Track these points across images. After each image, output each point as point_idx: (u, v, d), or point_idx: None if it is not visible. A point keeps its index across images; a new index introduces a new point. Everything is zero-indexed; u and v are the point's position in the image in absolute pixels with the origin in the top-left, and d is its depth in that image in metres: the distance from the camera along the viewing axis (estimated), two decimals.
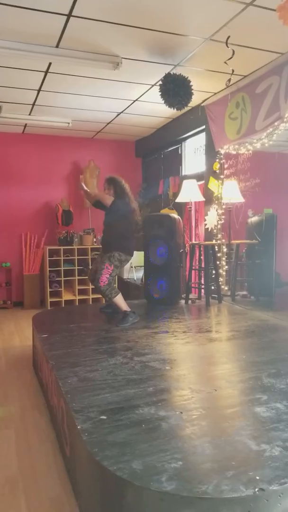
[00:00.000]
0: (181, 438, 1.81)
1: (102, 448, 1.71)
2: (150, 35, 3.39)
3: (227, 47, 3.29)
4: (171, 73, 3.90)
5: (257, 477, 1.51)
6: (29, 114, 5.64)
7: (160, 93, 3.92)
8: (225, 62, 3.42)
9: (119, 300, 3.81)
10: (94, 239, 6.64)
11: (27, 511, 1.95)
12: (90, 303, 6.40)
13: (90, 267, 6.41)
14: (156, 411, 2.05)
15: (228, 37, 3.25)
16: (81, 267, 6.47)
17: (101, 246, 4.10)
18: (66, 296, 6.43)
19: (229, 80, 3.77)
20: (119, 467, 1.58)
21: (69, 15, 3.08)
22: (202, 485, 1.48)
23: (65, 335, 3.42)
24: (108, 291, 3.75)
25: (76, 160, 6.95)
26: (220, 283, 4.73)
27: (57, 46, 3.60)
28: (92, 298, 6.46)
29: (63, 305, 6.31)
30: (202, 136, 5.36)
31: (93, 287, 5.78)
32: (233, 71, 3.59)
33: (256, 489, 1.44)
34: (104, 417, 1.99)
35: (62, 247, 6.36)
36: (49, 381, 2.84)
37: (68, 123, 5.83)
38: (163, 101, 3.99)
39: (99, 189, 6.70)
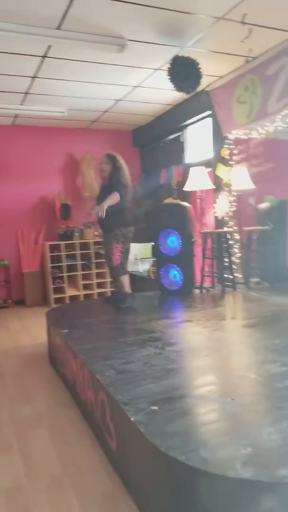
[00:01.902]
0: (242, 424, 1.75)
1: (163, 439, 1.63)
2: (159, 14, 3.26)
3: (244, 25, 3.20)
4: (179, 55, 3.80)
5: None
6: (21, 104, 5.43)
7: (169, 76, 3.81)
8: (242, 41, 3.33)
9: (125, 280, 3.97)
10: (95, 233, 6.51)
11: (81, 508, 1.86)
12: (96, 297, 6.29)
13: (93, 261, 6.33)
14: (207, 399, 1.97)
15: (245, 14, 3.16)
16: (85, 262, 6.34)
17: (103, 230, 4.08)
18: (70, 292, 6.31)
19: (247, 61, 3.67)
20: (188, 457, 1.50)
21: None
22: (281, 469, 1.41)
23: (87, 330, 3.32)
24: (118, 269, 3.91)
25: (71, 151, 6.76)
26: (233, 270, 4.67)
27: (58, 28, 3.44)
28: (97, 293, 6.35)
29: (68, 301, 6.19)
30: (206, 122, 5.27)
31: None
32: (251, 50, 3.49)
33: None
34: (155, 407, 1.90)
35: (63, 242, 6.22)
36: (78, 376, 2.73)
37: (63, 112, 5.63)
38: (170, 86, 3.89)
39: (97, 180, 6.56)
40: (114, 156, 3.96)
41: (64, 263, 6.21)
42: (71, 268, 6.33)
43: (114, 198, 3.78)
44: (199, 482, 1.47)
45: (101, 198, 3.90)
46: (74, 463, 2.21)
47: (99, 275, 6.47)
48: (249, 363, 2.45)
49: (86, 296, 6.33)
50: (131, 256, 6.42)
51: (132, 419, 1.80)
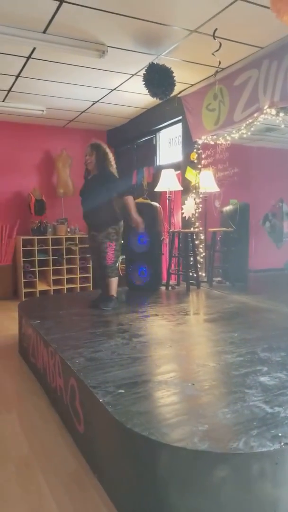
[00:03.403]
0: (200, 405, 1.94)
1: (129, 417, 1.79)
2: (138, 24, 3.44)
3: (214, 39, 3.42)
4: (155, 63, 3.98)
5: (280, 434, 1.66)
6: (3, 101, 5.46)
7: (144, 82, 3.98)
8: (213, 54, 3.55)
9: (114, 283, 3.84)
10: (68, 229, 6.59)
11: (48, 486, 1.98)
12: (65, 292, 6.37)
13: (64, 257, 6.39)
14: (170, 384, 2.15)
15: (216, 29, 3.38)
16: (56, 257, 6.40)
17: (91, 227, 3.90)
18: (41, 287, 6.35)
19: (216, 72, 3.90)
20: (151, 432, 1.67)
21: (62, 0, 3.05)
22: (233, 442, 1.60)
23: (58, 321, 3.42)
24: (111, 269, 3.76)
25: (48, 149, 6.82)
26: (198, 269, 4.91)
27: (44, 32, 3.55)
28: (67, 288, 6.43)
29: (38, 296, 6.23)
30: (178, 126, 5.48)
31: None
32: (220, 63, 3.72)
33: (282, 443, 1.59)
34: (122, 390, 2.06)
35: (35, 237, 6.26)
36: (49, 364, 2.84)
37: (43, 110, 5.73)
38: (146, 91, 4.06)
39: (72, 178, 6.64)
40: (98, 144, 3.80)
41: (36, 257, 6.25)
42: (43, 263, 6.37)
43: (131, 202, 3.75)
44: (161, 455, 1.64)
45: (89, 191, 3.78)
46: (41, 446, 2.33)
47: (69, 271, 6.55)
48: (209, 353, 2.66)
49: (56, 291, 6.40)
50: None
51: (100, 400, 1.95)
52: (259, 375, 2.26)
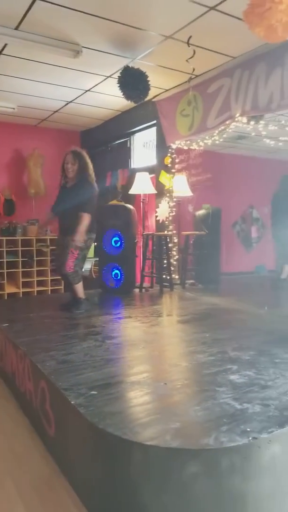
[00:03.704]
0: (172, 404, 1.96)
1: (102, 418, 1.78)
2: (114, 27, 3.46)
3: (189, 46, 3.49)
4: (130, 66, 4.01)
5: (248, 429, 1.70)
6: None
7: (119, 85, 4.00)
8: (187, 61, 3.63)
9: (80, 287, 3.79)
10: (40, 230, 6.49)
11: (17, 490, 1.94)
12: (35, 295, 6.26)
13: (34, 259, 6.28)
14: (142, 384, 2.17)
15: (190, 37, 3.45)
16: (26, 259, 6.29)
17: (62, 230, 3.83)
18: (9, 289, 6.20)
19: (190, 78, 3.98)
20: (124, 432, 1.67)
21: None
22: (203, 439, 1.63)
23: (28, 324, 3.37)
24: (72, 277, 3.68)
25: (19, 147, 6.70)
26: (171, 272, 4.96)
27: (16, 28, 3.51)
28: (37, 291, 6.32)
29: (6, 298, 6.09)
30: (152, 130, 5.54)
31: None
32: (193, 69, 3.80)
33: (250, 438, 1.64)
34: (94, 392, 2.05)
35: (4, 238, 6.12)
36: (18, 368, 2.79)
37: (14, 108, 5.63)
38: (120, 93, 4.09)
39: (43, 178, 6.56)
40: (79, 154, 3.74)
41: (5, 259, 6.11)
42: (12, 265, 6.24)
43: (85, 221, 3.55)
44: (133, 454, 1.64)
45: (65, 200, 3.68)
46: (11, 450, 2.28)
47: (40, 273, 6.45)
48: (182, 354, 2.70)
49: (25, 294, 6.27)
50: None
51: (72, 402, 1.94)
52: (229, 374, 2.31)
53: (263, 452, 1.64)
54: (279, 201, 5.21)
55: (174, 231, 5.16)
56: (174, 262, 5.17)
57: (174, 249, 5.17)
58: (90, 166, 3.76)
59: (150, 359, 2.61)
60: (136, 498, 1.62)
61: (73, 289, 3.79)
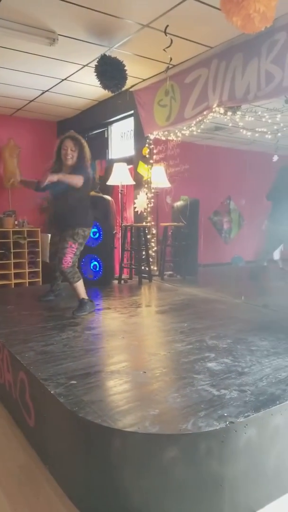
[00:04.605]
0: (151, 392, 1.99)
1: (82, 406, 1.80)
2: (90, 14, 3.40)
3: (166, 35, 3.47)
4: (107, 55, 3.96)
5: (225, 414, 1.75)
6: None
7: (96, 74, 3.95)
8: (164, 50, 3.61)
9: (80, 286, 3.43)
10: (16, 222, 6.39)
11: None
12: (13, 287, 6.17)
13: (11, 251, 6.18)
14: (122, 373, 2.19)
15: (167, 26, 3.43)
16: (2, 251, 6.18)
17: (53, 221, 3.58)
18: None
19: (167, 68, 3.96)
20: (103, 419, 1.69)
21: None
22: (182, 424, 1.67)
23: (6, 316, 3.33)
24: (70, 275, 3.34)
25: None
26: (150, 263, 4.98)
27: None
28: (14, 283, 6.23)
29: None
30: (130, 120, 5.50)
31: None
32: (171, 59, 3.79)
33: (227, 422, 1.68)
34: (74, 382, 2.06)
35: None
36: None
37: None
38: (98, 83, 4.03)
39: (20, 169, 6.43)
40: (80, 139, 3.43)
41: None
42: None
43: (76, 179, 3.23)
44: (113, 441, 1.66)
45: (59, 185, 3.27)
46: None
47: (17, 265, 6.36)
48: (160, 343, 2.73)
49: (2, 286, 6.18)
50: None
51: (52, 392, 1.94)
52: (207, 361, 2.36)
53: (239, 436, 1.69)
54: (280, 194, 4.70)
55: (153, 223, 5.17)
56: (153, 254, 5.19)
57: (153, 240, 5.19)
58: (89, 153, 3.50)
59: (129, 348, 2.63)
60: (116, 484, 1.65)
61: (73, 289, 3.45)
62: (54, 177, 3.14)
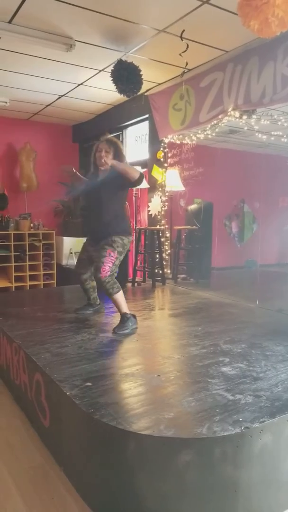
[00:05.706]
0: (166, 395, 1.99)
1: (97, 408, 1.81)
2: (107, 20, 3.44)
3: (182, 40, 3.49)
4: (123, 60, 4.00)
5: (240, 419, 1.74)
6: None
7: (113, 79, 3.99)
8: (180, 55, 3.62)
9: (120, 298, 3.10)
10: (31, 224, 6.47)
11: (13, 480, 1.97)
12: (28, 289, 6.25)
13: (27, 253, 6.25)
14: (136, 375, 2.20)
15: (183, 31, 3.45)
16: (18, 253, 6.27)
17: (90, 229, 3.34)
18: (1, 283, 6.19)
19: (183, 72, 3.97)
20: (119, 422, 1.70)
21: None
22: (197, 428, 1.67)
23: (22, 317, 3.38)
24: (109, 285, 3.04)
25: (10, 141, 6.65)
26: (163, 266, 4.99)
27: (10, 22, 3.48)
28: (29, 285, 6.31)
29: None
30: (144, 124, 5.53)
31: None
32: (186, 63, 3.80)
33: (242, 427, 1.68)
34: (89, 383, 2.08)
35: None
36: (13, 360, 2.80)
37: (6, 102, 5.60)
38: (113, 87, 4.07)
39: (36, 172, 6.54)
40: (115, 140, 3.20)
41: None
42: (4, 259, 6.21)
43: (133, 169, 3.03)
44: (128, 443, 1.68)
45: (96, 189, 3.13)
46: (6, 441, 2.30)
47: (32, 268, 6.43)
48: (174, 346, 2.74)
49: (18, 288, 6.26)
50: (66, 251, 6.51)
51: (68, 393, 1.96)
52: (221, 366, 2.36)
53: (254, 441, 1.68)
54: None
55: (166, 226, 5.18)
56: (166, 257, 5.20)
57: (166, 243, 5.20)
58: (124, 154, 3.26)
59: (143, 351, 2.65)
60: (131, 487, 1.66)
61: (113, 301, 3.13)
62: (113, 161, 2.96)
